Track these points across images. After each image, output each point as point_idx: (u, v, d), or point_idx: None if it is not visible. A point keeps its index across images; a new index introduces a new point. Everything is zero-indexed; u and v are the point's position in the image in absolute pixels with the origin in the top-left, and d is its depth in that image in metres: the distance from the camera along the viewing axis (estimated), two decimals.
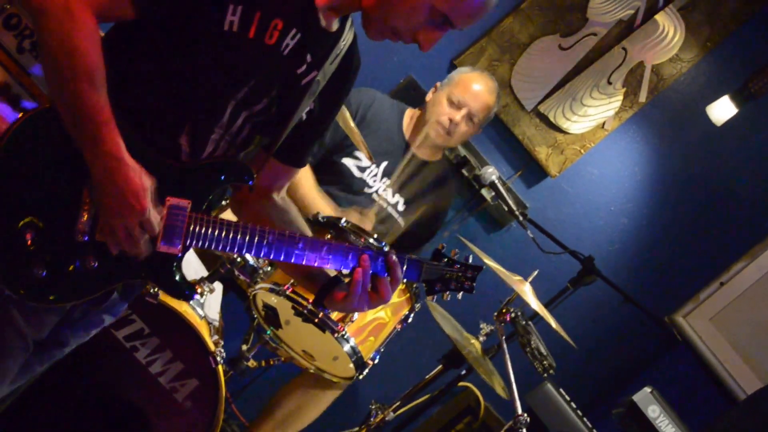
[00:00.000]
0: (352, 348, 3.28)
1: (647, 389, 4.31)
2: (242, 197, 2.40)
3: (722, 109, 4.85)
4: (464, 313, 3.98)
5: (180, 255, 2.10)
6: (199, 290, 3.23)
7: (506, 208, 3.96)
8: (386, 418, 3.76)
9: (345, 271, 2.21)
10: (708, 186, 5.11)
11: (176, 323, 3.21)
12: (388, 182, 4.20)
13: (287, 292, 3.23)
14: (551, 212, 4.99)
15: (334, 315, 3.22)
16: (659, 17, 4.84)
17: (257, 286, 3.34)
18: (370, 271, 2.18)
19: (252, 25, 2.03)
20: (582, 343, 4.04)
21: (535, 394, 4.24)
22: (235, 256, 3.34)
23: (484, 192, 4.80)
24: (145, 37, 2.04)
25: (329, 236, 3.34)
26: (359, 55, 2.35)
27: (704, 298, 5.14)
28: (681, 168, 5.08)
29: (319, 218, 3.40)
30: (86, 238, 2.01)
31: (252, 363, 3.63)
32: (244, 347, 3.63)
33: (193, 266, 3.42)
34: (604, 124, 4.92)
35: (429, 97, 4.30)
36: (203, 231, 2.09)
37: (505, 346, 3.43)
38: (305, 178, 3.97)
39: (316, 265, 2.21)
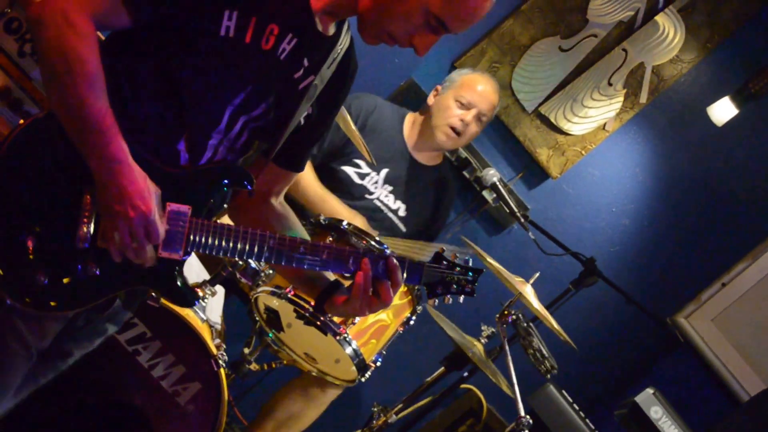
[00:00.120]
0: (354, 350, 3.28)
1: (649, 390, 4.31)
2: (240, 202, 2.39)
3: (723, 110, 4.85)
4: (466, 315, 3.98)
5: (181, 261, 2.10)
6: (200, 293, 3.23)
7: (507, 210, 3.96)
8: (388, 421, 3.76)
9: (346, 275, 2.21)
10: (709, 187, 5.11)
11: (178, 327, 3.20)
12: (390, 188, 4.20)
13: (289, 295, 3.23)
14: (552, 214, 4.99)
15: (336, 318, 3.22)
16: (659, 18, 4.84)
17: (259, 289, 3.33)
18: (371, 275, 2.18)
19: (248, 31, 2.03)
20: (584, 345, 4.05)
21: (538, 396, 4.23)
22: (237, 259, 3.34)
23: (485, 194, 4.80)
24: (142, 44, 2.05)
25: (330, 239, 3.34)
26: (356, 59, 2.35)
27: (706, 299, 5.14)
28: (682, 169, 5.08)
29: (321, 220, 3.40)
30: (87, 245, 2.01)
31: (254, 366, 3.63)
32: (246, 350, 3.63)
33: (194, 269, 3.42)
34: (605, 125, 4.92)
35: (431, 100, 4.30)
36: (204, 237, 2.08)
37: (507, 347, 3.43)
38: (306, 173, 3.96)
39: (317, 269, 2.21)
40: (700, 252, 5.17)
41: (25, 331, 2.06)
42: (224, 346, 3.32)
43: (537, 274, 3.56)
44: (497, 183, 3.98)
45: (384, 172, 4.19)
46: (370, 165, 4.11)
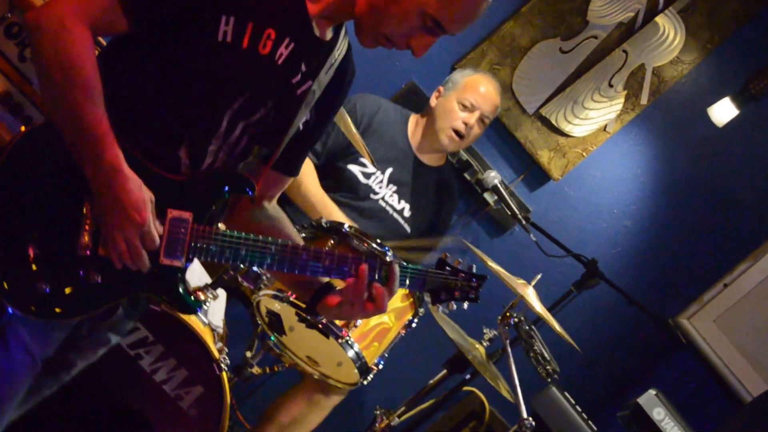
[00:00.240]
0: (356, 353, 3.28)
1: (652, 392, 4.31)
2: (233, 204, 2.39)
3: (723, 111, 4.85)
4: (467, 317, 3.95)
5: (183, 268, 2.09)
6: (202, 297, 3.23)
7: (509, 212, 3.96)
8: (391, 424, 3.75)
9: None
10: (710, 187, 5.10)
11: (180, 331, 3.20)
12: (394, 188, 4.20)
13: (291, 299, 3.22)
14: (554, 215, 4.99)
15: (338, 321, 3.22)
16: (659, 19, 4.84)
17: (261, 293, 3.33)
18: (367, 281, 2.17)
19: (245, 36, 2.04)
20: (586, 346, 4.03)
21: (540, 398, 4.23)
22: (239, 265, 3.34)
23: (486, 196, 4.80)
24: (140, 50, 2.05)
25: (332, 242, 3.33)
26: (354, 65, 2.36)
27: (708, 300, 5.14)
28: (683, 169, 5.08)
29: (322, 223, 3.40)
30: (89, 253, 2.01)
31: (256, 369, 3.63)
32: (249, 354, 3.63)
33: (196, 273, 3.42)
34: (605, 126, 4.92)
35: (433, 102, 4.30)
36: (206, 243, 2.08)
37: (509, 350, 3.42)
38: (308, 177, 3.96)
39: (319, 276, 2.21)
40: (701, 253, 5.17)
41: (29, 340, 2.06)
42: (226, 350, 3.32)
43: (539, 276, 3.56)
44: (498, 185, 3.98)
45: (388, 171, 4.19)
46: (374, 164, 4.12)
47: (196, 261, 2.14)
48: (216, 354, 3.22)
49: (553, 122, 4.87)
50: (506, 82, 4.80)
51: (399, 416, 3.78)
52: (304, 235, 3.40)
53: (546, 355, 3.56)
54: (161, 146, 2.08)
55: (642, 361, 5.28)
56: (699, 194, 5.10)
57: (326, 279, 2.28)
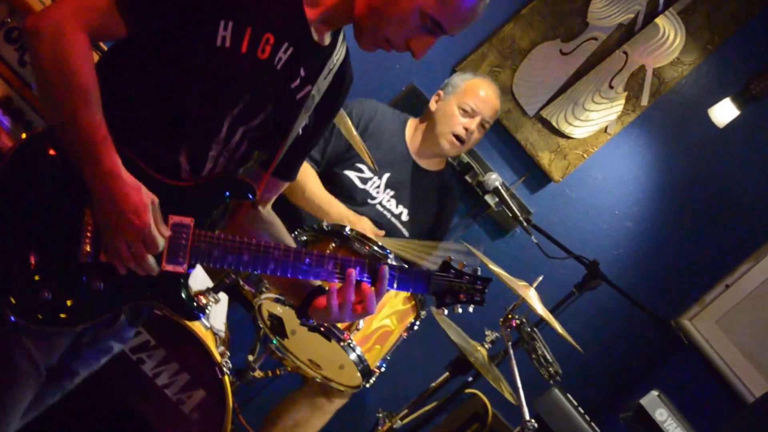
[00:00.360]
0: (359, 356, 3.28)
1: (654, 393, 4.30)
2: (232, 210, 2.39)
3: (724, 112, 4.85)
4: (469, 319, 3.95)
5: (186, 273, 2.09)
6: (204, 301, 3.23)
7: (510, 214, 3.96)
8: (393, 426, 3.75)
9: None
10: (712, 188, 5.10)
11: (182, 335, 3.20)
12: (391, 193, 4.19)
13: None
14: (555, 217, 4.99)
15: (340, 324, 3.22)
16: (659, 21, 4.85)
17: (262, 296, 3.33)
18: (354, 282, 2.16)
19: (244, 40, 2.04)
20: (588, 348, 4.03)
21: (543, 400, 4.22)
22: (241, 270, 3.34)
23: (487, 198, 4.79)
24: (139, 56, 2.05)
25: (333, 244, 3.34)
26: (352, 70, 2.36)
27: (710, 300, 5.14)
28: (684, 170, 5.08)
29: (324, 226, 3.40)
30: (90, 260, 2.01)
31: (258, 373, 3.63)
32: (251, 357, 3.63)
33: (198, 278, 3.42)
34: (606, 128, 4.92)
35: (433, 106, 4.29)
36: (208, 249, 2.08)
37: (511, 352, 3.42)
38: (310, 180, 3.96)
39: (320, 280, 2.21)
40: (703, 253, 5.17)
41: (32, 349, 2.05)
42: (228, 354, 3.32)
43: (540, 278, 3.56)
44: (499, 187, 3.98)
45: (386, 176, 4.18)
46: (371, 170, 4.11)
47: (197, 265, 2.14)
48: (218, 358, 3.22)
49: (554, 124, 4.87)
50: (506, 84, 4.80)
51: (401, 419, 3.78)
52: (305, 237, 3.41)
53: (548, 356, 3.56)
54: (161, 152, 2.08)
55: (644, 362, 5.28)
56: (700, 195, 5.11)
57: (318, 282, 2.28)
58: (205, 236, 2.08)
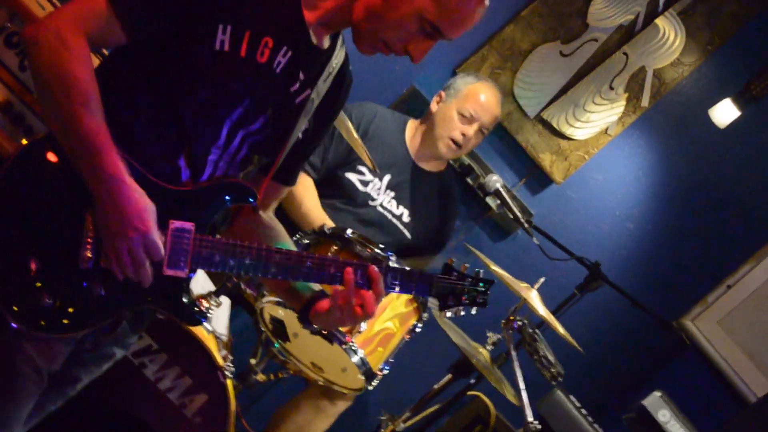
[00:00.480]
0: (361, 359, 3.28)
1: (657, 394, 4.30)
2: (233, 214, 2.38)
3: (725, 112, 4.85)
4: (471, 321, 3.94)
5: (187, 278, 2.09)
6: (206, 305, 3.23)
7: (511, 216, 3.96)
8: (396, 429, 3.75)
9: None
10: (713, 188, 5.10)
11: (184, 339, 3.20)
12: (392, 194, 4.19)
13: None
14: (556, 219, 4.99)
15: (341, 327, 3.22)
16: (659, 21, 4.85)
17: (264, 300, 3.33)
18: (354, 286, 2.15)
19: (242, 44, 2.03)
20: (590, 349, 4.03)
21: (546, 402, 4.22)
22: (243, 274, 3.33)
23: (489, 200, 4.80)
24: (139, 61, 2.05)
25: (335, 248, 3.34)
26: (351, 73, 2.35)
27: (712, 301, 5.13)
28: (685, 171, 5.08)
29: (325, 230, 3.40)
30: (91, 266, 2.01)
31: (261, 377, 3.62)
32: (253, 361, 3.62)
33: (199, 281, 3.42)
34: (607, 129, 4.92)
35: (434, 107, 4.29)
36: (209, 253, 2.08)
37: (513, 353, 3.42)
38: (308, 192, 3.97)
39: (322, 283, 2.20)
40: (704, 254, 5.17)
41: (34, 355, 2.05)
42: (231, 357, 3.32)
43: (542, 280, 3.56)
44: (501, 189, 3.98)
45: (386, 178, 4.19)
46: (372, 172, 4.11)
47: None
48: (220, 361, 3.22)
49: (555, 125, 4.87)
50: (507, 85, 4.80)
51: (404, 421, 3.78)
52: (306, 241, 3.41)
53: (550, 358, 3.56)
54: (161, 157, 2.08)
55: (646, 363, 5.27)
56: (701, 196, 5.10)
57: (319, 287, 2.28)
58: (206, 241, 2.08)
